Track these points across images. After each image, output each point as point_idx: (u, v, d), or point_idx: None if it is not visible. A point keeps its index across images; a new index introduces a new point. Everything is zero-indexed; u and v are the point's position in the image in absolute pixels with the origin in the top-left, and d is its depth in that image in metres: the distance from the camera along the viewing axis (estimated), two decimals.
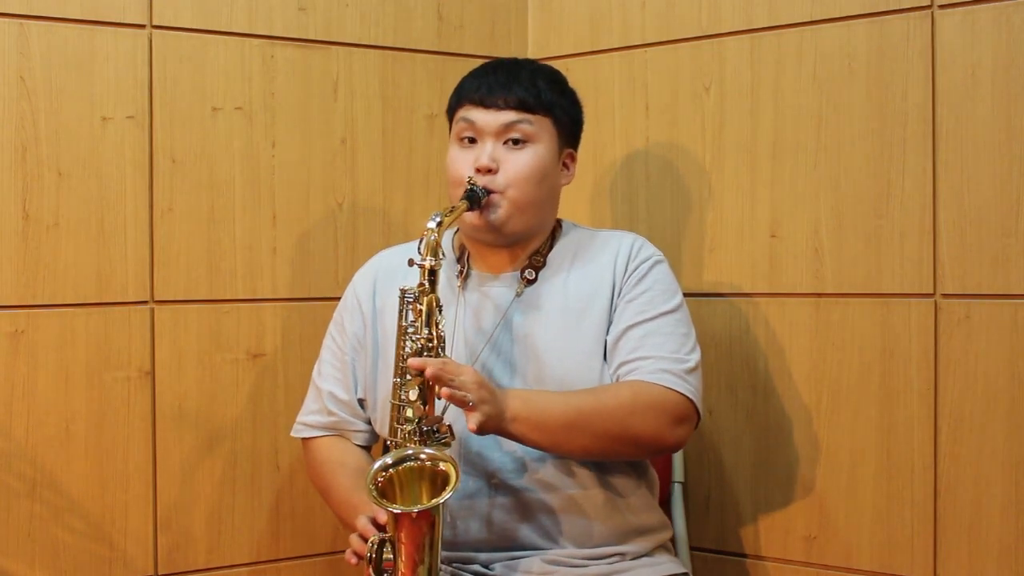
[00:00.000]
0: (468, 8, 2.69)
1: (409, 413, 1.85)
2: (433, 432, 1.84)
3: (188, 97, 2.39)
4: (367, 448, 2.16)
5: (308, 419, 2.17)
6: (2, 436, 2.24)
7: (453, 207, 1.96)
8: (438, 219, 1.91)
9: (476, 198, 1.99)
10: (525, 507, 2.00)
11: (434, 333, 1.88)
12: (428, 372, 1.81)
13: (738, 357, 2.48)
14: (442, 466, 1.80)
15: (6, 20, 2.23)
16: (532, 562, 1.98)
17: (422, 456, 1.81)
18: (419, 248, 1.91)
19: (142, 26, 2.34)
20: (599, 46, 2.67)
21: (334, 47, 2.54)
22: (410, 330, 1.90)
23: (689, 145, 2.54)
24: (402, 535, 1.79)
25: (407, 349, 1.89)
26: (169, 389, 2.38)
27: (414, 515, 1.78)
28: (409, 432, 1.84)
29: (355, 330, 2.14)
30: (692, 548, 2.41)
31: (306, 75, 2.51)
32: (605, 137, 2.64)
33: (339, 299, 2.21)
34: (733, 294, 2.49)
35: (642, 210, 2.61)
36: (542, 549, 2.00)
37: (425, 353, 1.86)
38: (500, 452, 2.00)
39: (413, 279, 2.11)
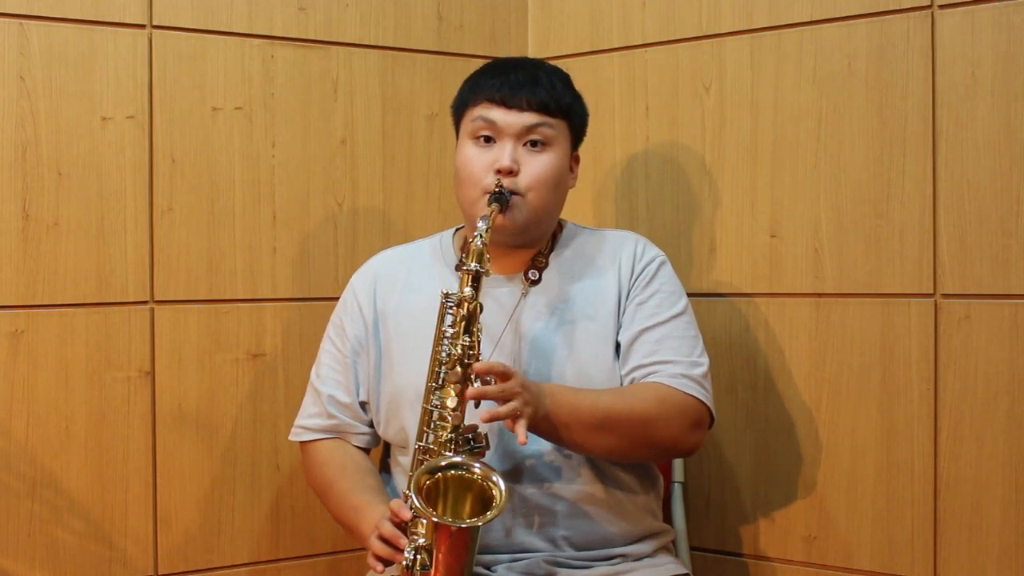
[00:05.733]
0: (468, 8, 2.69)
1: (444, 419, 1.84)
2: (469, 440, 1.84)
3: (188, 97, 2.39)
4: (366, 451, 2.16)
5: (307, 422, 2.15)
6: (2, 436, 2.24)
7: (489, 214, 1.94)
8: (485, 225, 1.90)
9: (504, 200, 1.98)
10: (528, 508, 2.00)
11: (474, 340, 1.86)
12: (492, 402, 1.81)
13: (738, 357, 2.48)
14: (493, 491, 1.78)
15: (6, 20, 2.23)
16: (535, 563, 1.97)
17: (475, 470, 1.80)
18: (464, 254, 1.89)
19: (142, 26, 2.34)
20: (599, 46, 2.67)
21: (334, 47, 2.54)
22: (448, 335, 1.88)
23: (689, 145, 2.54)
24: (443, 547, 1.76)
25: (444, 355, 1.88)
26: (169, 389, 2.38)
27: (454, 530, 1.76)
28: (444, 439, 1.84)
29: (356, 333, 2.13)
30: (692, 548, 2.41)
31: (306, 75, 2.51)
32: (605, 137, 2.64)
33: (339, 299, 2.20)
34: (733, 294, 2.49)
35: (642, 210, 2.61)
36: (544, 551, 1.99)
37: (465, 360, 1.85)
38: (503, 453, 2.00)
39: (417, 282, 2.11)
